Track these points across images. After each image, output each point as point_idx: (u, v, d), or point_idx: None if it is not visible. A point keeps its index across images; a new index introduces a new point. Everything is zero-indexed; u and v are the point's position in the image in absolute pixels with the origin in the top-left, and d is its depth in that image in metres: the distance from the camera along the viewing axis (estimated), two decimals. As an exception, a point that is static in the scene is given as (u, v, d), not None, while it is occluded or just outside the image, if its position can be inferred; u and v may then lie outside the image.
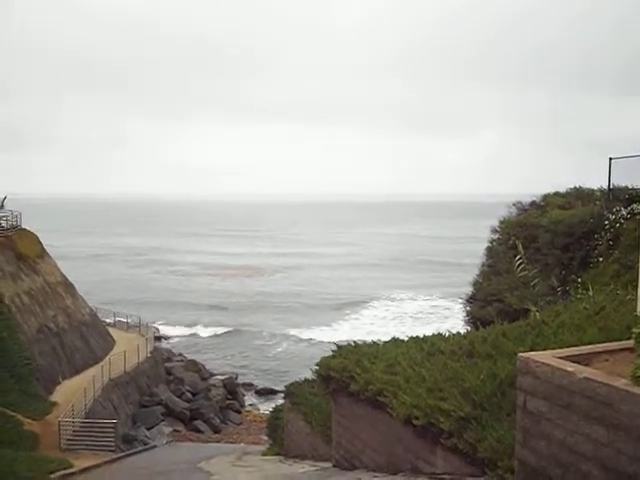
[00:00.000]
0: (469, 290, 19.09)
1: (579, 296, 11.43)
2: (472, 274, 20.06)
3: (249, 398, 45.34)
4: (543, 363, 5.16)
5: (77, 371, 35.29)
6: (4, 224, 39.55)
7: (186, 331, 65.10)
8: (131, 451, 25.19)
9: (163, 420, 36.00)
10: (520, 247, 13.90)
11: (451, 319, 52.38)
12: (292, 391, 18.02)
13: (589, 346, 5.91)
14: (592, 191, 18.69)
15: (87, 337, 39.67)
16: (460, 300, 19.60)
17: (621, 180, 16.65)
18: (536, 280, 13.97)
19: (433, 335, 11.04)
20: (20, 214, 41.63)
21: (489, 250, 19.92)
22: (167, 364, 45.35)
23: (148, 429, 34.04)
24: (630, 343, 5.28)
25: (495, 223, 20.46)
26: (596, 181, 18.16)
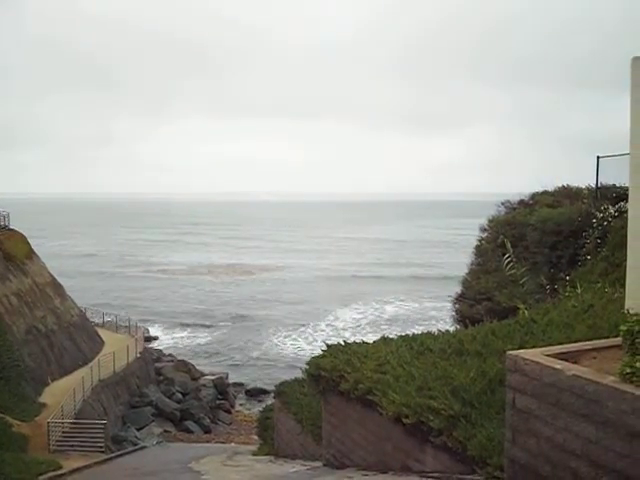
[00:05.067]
0: (458, 289, 19.14)
1: (567, 294, 11.49)
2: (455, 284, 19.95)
3: (239, 398, 45.28)
4: (532, 361, 5.18)
5: (66, 372, 35.11)
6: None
7: (176, 331, 64.97)
8: (121, 452, 25.08)
9: (153, 420, 35.89)
10: (509, 245, 13.98)
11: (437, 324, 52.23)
12: (282, 391, 17.99)
13: (577, 344, 5.95)
14: (580, 189, 18.76)
15: (76, 338, 39.47)
16: (449, 298, 19.63)
17: (609, 178, 16.73)
18: (525, 278, 14.04)
19: (422, 334, 11.06)
20: (8, 214, 41.35)
21: (478, 248, 19.97)
22: (157, 364, 45.20)
23: (138, 430, 33.93)
24: (618, 340, 5.32)
25: (483, 222, 20.52)
26: (587, 179, 18.23)
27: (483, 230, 20.30)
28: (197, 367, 47.69)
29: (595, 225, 15.19)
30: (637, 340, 4.74)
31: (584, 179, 19.38)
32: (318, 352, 11.58)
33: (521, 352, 5.53)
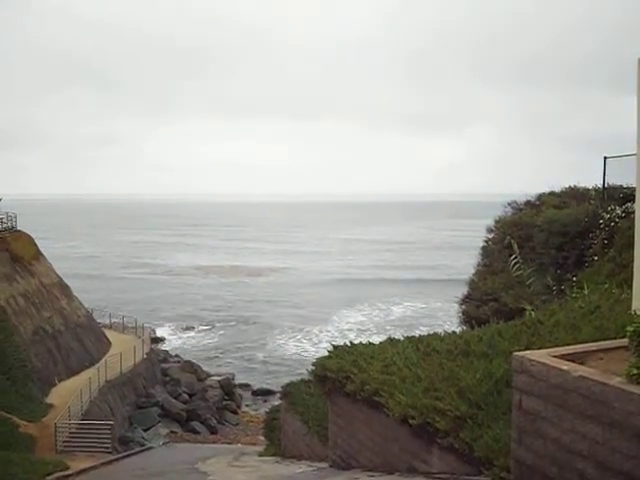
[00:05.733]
0: (464, 290, 19.11)
1: (574, 295, 11.45)
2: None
3: (246, 399, 45.31)
4: (538, 362, 5.18)
5: (73, 373, 35.23)
6: (-1, 226, 39.48)
7: (182, 332, 65.11)
8: (128, 452, 25.14)
9: (160, 421, 35.95)
10: (515, 246, 13.96)
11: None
12: (289, 391, 18.01)
13: (584, 345, 5.94)
14: (587, 190, 18.72)
15: (83, 339, 39.61)
16: (456, 299, 19.61)
17: (616, 179, 16.70)
18: (531, 279, 14.03)
19: (429, 335, 11.05)
20: (15, 215, 41.50)
21: (484, 249, 19.95)
22: (163, 365, 45.30)
23: (145, 430, 34.00)
24: (624, 341, 5.30)
25: (490, 223, 20.49)
26: (593, 179, 18.17)
27: (489, 231, 20.28)
28: (203, 368, 47.76)
29: (602, 226, 15.16)
30: (644, 341, 4.73)
31: (586, 179, 19.35)
32: (324, 353, 11.58)
33: (528, 353, 5.53)
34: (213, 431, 37.12)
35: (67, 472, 19.73)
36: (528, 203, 20.37)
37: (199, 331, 65.91)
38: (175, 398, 39.24)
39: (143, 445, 29.51)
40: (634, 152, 6.74)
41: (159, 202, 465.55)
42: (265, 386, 46.70)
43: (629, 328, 4.98)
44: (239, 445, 29.87)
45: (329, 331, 65.29)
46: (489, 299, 16.88)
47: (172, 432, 35.30)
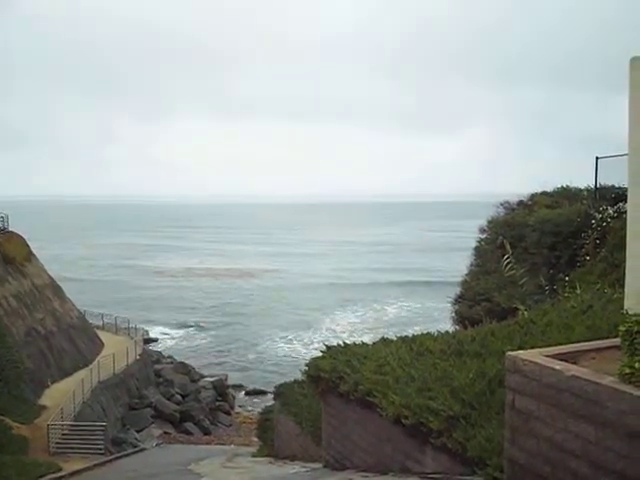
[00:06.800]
0: (457, 290, 19.12)
1: (567, 295, 11.49)
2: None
3: (239, 400, 45.29)
4: (531, 361, 5.19)
5: (66, 374, 35.10)
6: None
7: (175, 333, 65.01)
8: (121, 454, 25.07)
9: (153, 422, 35.88)
10: (508, 246, 13.99)
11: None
12: (282, 392, 17.99)
13: (576, 344, 5.95)
14: (579, 190, 18.78)
15: (75, 340, 39.45)
16: (449, 299, 19.61)
17: (608, 179, 16.75)
18: (524, 279, 14.05)
19: (422, 335, 11.05)
20: (7, 216, 41.30)
21: (477, 249, 19.97)
22: (156, 366, 45.20)
23: (138, 431, 33.91)
24: (617, 341, 5.32)
25: (483, 223, 20.50)
26: (585, 179, 18.22)
27: (482, 231, 20.30)
28: (196, 369, 47.69)
29: (594, 226, 15.20)
30: (636, 340, 4.74)
31: (580, 179, 19.38)
32: (317, 354, 11.57)
33: (520, 353, 5.54)
34: (206, 432, 37.08)
35: (60, 474, 19.68)
36: (521, 203, 20.40)
37: (192, 332, 65.85)
38: (168, 399, 39.16)
39: (136, 446, 29.42)
40: (626, 152, 6.76)
41: (154, 204, 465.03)
42: (258, 387, 46.68)
43: (621, 327, 4.99)
44: (232, 446, 29.81)
45: (323, 332, 65.28)
46: (482, 299, 16.89)
47: (165, 433, 35.24)
